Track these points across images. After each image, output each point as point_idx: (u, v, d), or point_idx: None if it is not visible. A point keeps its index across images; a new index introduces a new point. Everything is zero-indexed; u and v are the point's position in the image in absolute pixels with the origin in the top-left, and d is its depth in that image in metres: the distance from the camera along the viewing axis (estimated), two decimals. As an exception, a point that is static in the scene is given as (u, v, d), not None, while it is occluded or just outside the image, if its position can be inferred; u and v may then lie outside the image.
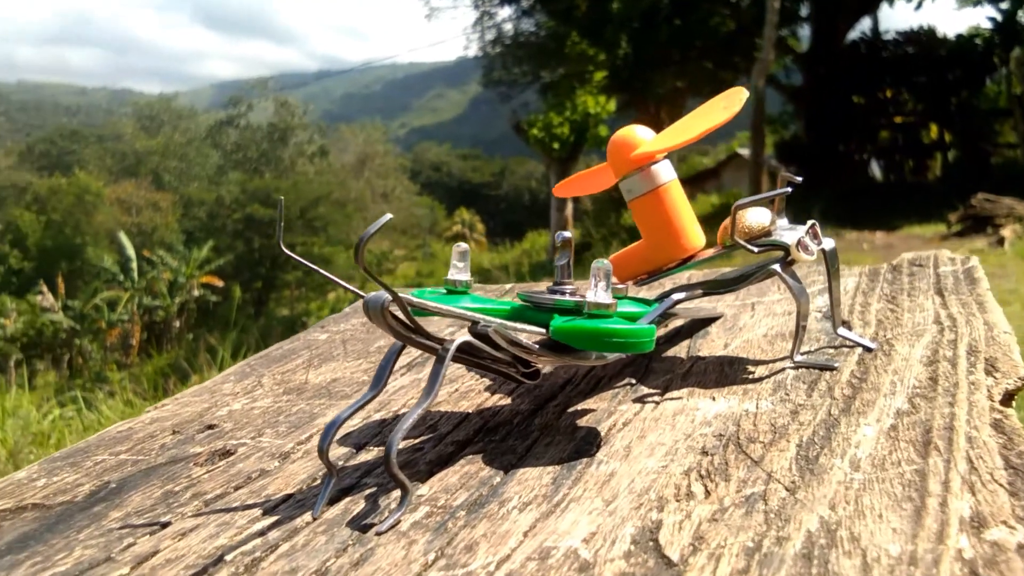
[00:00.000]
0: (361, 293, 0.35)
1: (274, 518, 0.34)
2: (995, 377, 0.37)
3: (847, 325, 0.48)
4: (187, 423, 0.49)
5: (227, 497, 0.37)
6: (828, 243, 0.43)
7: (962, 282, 0.53)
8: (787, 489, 0.29)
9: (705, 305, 0.56)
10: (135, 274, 13.93)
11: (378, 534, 0.31)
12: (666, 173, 0.45)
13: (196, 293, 13.40)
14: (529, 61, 13.88)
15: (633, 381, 0.44)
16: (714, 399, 0.39)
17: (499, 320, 0.37)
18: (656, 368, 0.46)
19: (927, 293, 0.52)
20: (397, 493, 0.34)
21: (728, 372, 0.43)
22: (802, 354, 0.44)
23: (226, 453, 0.43)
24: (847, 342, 0.45)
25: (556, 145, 12.88)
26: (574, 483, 0.33)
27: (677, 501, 0.30)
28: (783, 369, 0.42)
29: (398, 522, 0.32)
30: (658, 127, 0.48)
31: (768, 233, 0.42)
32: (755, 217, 0.42)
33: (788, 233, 0.42)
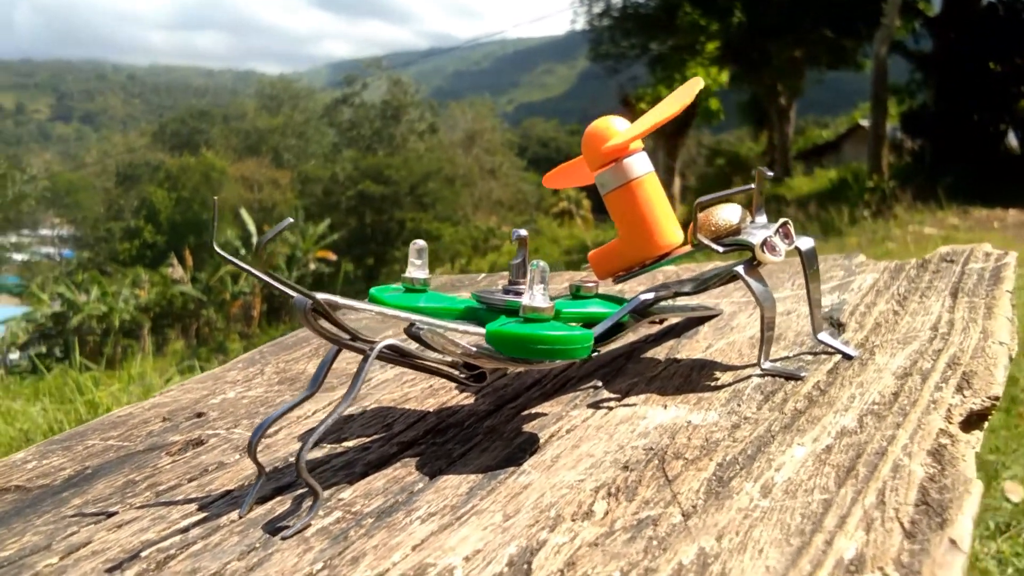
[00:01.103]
0: (289, 292, 0.35)
1: (204, 515, 0.35)
2: (964, 395, 0.34)
3: (841, 328, 0.45)
4: (180, 410, 0.51)
5: (177, 489, 0.38)
6: (805, 243, 0.41)
7: (984, 282, 0.48)
8: (683, 515, 0.28)
9: (707, 302, 0.54)
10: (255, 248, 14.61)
11: (283, 538, 0.31)
12: (639, 167, 0.43)
13: (311, 267, 13.95)
14: (638, 33, 13.61)
15: (599, 384, 0.43)
16: (665, 407, 0.38)
17: (439, 321, 0.36)
18: (629, 370, 0.45)
19: (941, 294, 0.48)
20: (348, 494, 0.35)
21: (694, 378, 0.41)
22: (773, 361, 0.41)
23: (198, 443, 0.44)
24: (829, 348, 0.42)
25: (664, 119, 12.58)
26: (487, 494, 0.32)
27: (572, 520, 0.29)
28: (749, 377, 0.40)
29: (307, 527, 0.32)
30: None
31: (736, 232, 0.40)
32: (724, 215, 0.40)
33: (758, 232, 0.39)
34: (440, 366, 0.38)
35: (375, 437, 0.41)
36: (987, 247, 0.55)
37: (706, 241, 0.39)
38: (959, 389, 0.34)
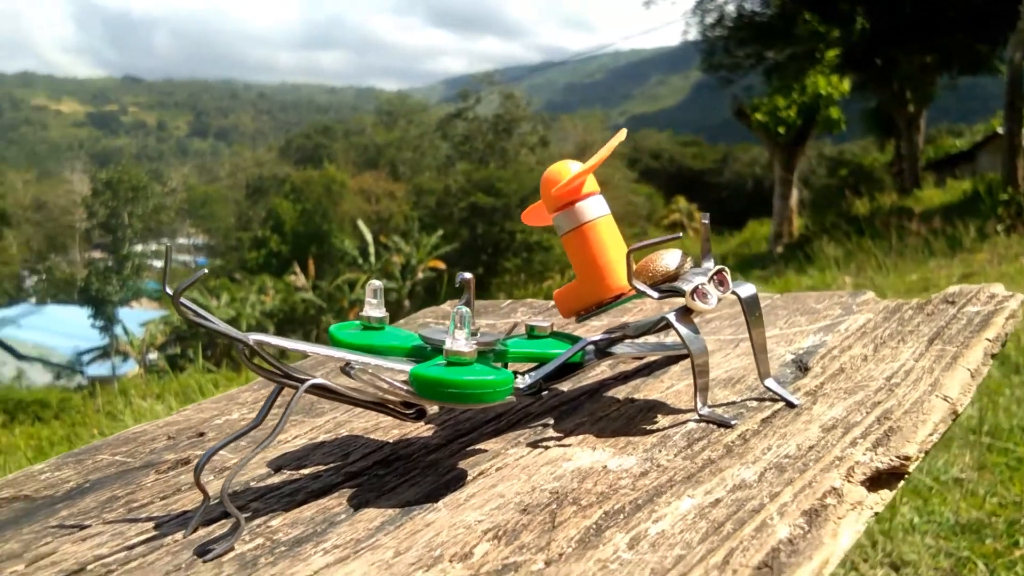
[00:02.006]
0: (234, 335, 0.38)
1: (155, 533, 0.38)
2: (876, 453, 0.33)
3: (805, 372, 0.45)
4: (187, 429, 0.55)
5: (147, 507, 0.42)
6: (745, 289, 0.40)
7: (970, 328, 0.46)
8: (545, 562, 0.29)
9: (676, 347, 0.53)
10: (372, 258, 15.16)
11: (204, 561, 0.34)
12: (592, 211, 0.44)
13: (420, 276, 14.30)
14: (753, 43, 13.27)
15: (551, 422, 0.44)
16: (594, 449, 0.39)
17: (374, 361, 0.39)
18: (584, 408, 0.45)
19: (921, 339, 0.46)
20: (277, 522, 0.37)
21: (637, 420, 0.42)
22: (713, 407, 0.41)
23: (185, 463, 0.48)
24: (775, 395, 0.41)
25: (781, 130, 12.20)
26: (394, 529, 0.34)
27: (449, 562, 0.30)
28: (687, 422, 0.40)
29: (228, 551, 0.35)
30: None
31: (673, 278, 0.40)
32: (663, 261, 0.40)
33: (693, 279, 0.39)
34: (374, 402, 0.40)
35: (330, 465, 0.43)
36: (997, 288, 0.53)
37: (641, 287, 0.40)
38: (875, 446, 0.33)
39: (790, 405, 0.40)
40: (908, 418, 0.36)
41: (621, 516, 0.31)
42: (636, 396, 0.46)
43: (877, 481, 0.32)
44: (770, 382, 0.41)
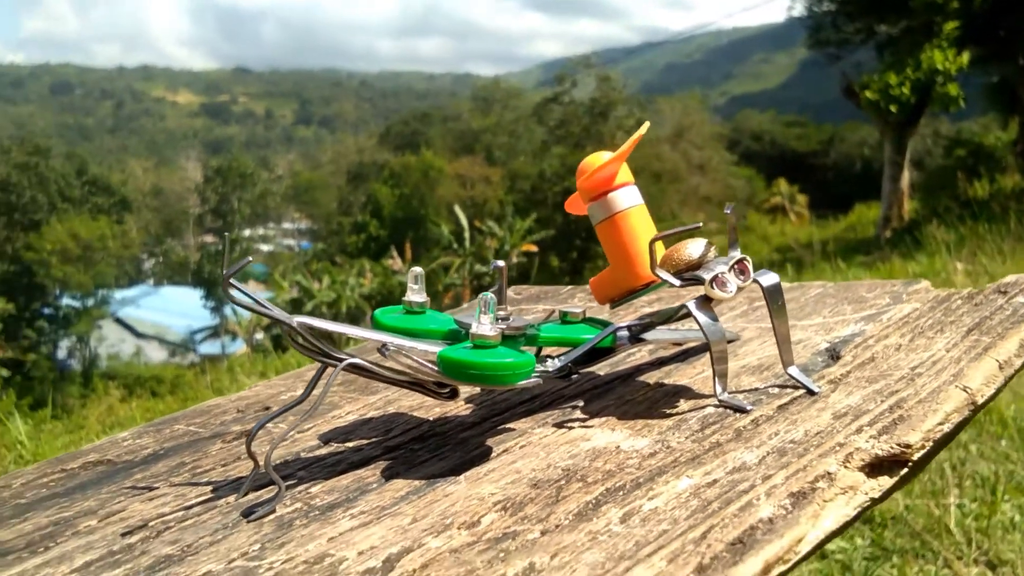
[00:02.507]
0: (279, 317, 0.41)
1: (211, 496, 0.42)
2: (878, 439, 0.33)
3: (836, 360, 0.45)
4: (256, 404, 0.59)
5: (210, 472, 0.46)
6: (768, 278, 0.41)
7: (1014, 318, 0.45)
8: (542, 532, 0.31)
9: (728, 327, 0.54)
10: (467, 242, 15.37)
11: (248, 521, 0.38)
12: (625, 200, 0.46)
13: (514, 260, 14.38)
14: (863, 16, 12.67)
15: (580, 404, 0.46)
16: (613, 430, 0.40)
17: (408, 343, 0.41)
18: (615, 391, 0.47)
19: (958, 330, 0.45)
20: (317, 488, 0.41)
21: (660, 403, 0.43)
22: (734, 392, 0.42)
23: (248, 434, 0.52)
24: (796, 382, 0.42)
25: (894, 108, 11.61)
26: (416, 499, 0.37)
27: (457, 529, 0.33)
28: (706, 407, 0.41)
29: (270, 513, 0.38)
30: None
31: (696, 266, 0.41)
32: (688, 249, 0.41)
33: (714, 267, 0.40)
34: (409, 382, 0.43)
35: (372, 440, 0.46)
36: (1058, 277, 0.51)
37: (664, 275, 0.41)
38: (880, 434, 0.34)
39: (810, 392, 0.40)
40: (920, 407, 0.36)
41: (621, 493, 0.33)
42: (666, 381, 0.47)
43: (878, 468, 0.32)
44: (793, 370, 0.42)
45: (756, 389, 0.43)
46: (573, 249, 19.11)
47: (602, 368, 0.52)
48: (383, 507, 0.36)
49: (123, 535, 0.39)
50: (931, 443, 0.34)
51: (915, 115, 11.60)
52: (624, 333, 0.48)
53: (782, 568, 0.26)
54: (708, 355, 0.51)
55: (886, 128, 11.73)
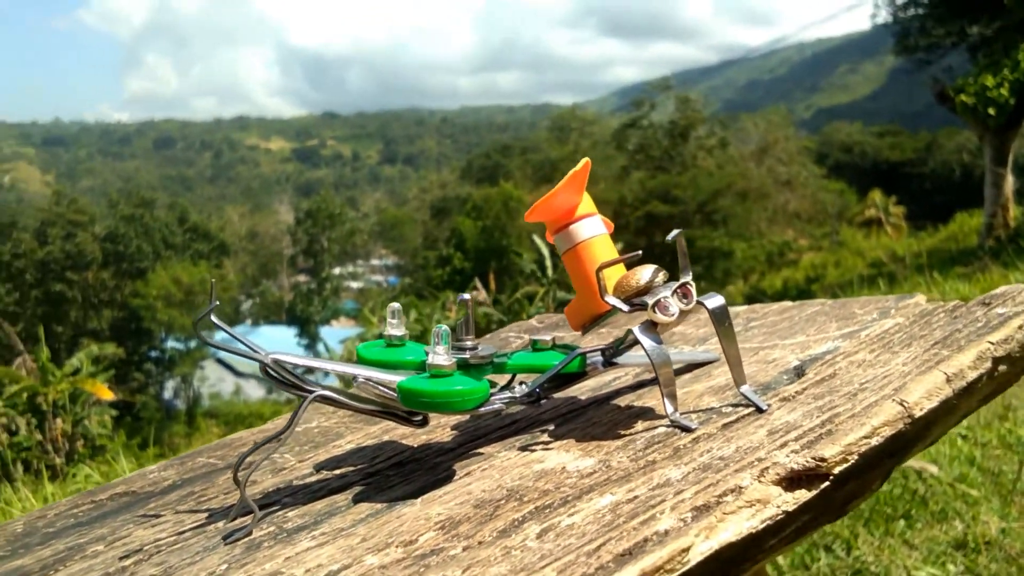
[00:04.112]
0: (252, 355, 0.44)
1: (205, 521, 0.46)
2: (799, 454, 0.34)
3: (800, 377, 0.45)
4: (278, 433, 0.63)
5: (211, 501, 0.50)
6: (713, 301, 0.42)
7: (980, 330, 0.44)
8: (463, 548, 0.33)
9: (701, 355, 0.54)
10: (549, 271, 15.42)
11: (225, 543, 0.41)
12: (586, 231, 0.47)
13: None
14: (953, 19, 12.21)
15: (551, 427, 0.48)
16: (567, 452, 0.42)
17: (378, 375, 0.44)
18: (586, 415, 0.49)
19: (925, 344, 0.45)
20: (293, 513, 0.44)
21: (620, 425, 0.44)
22: (685, 412, 0.43)
23: (264, 461, 0.56)
24: (748, 401, 0.42)
25: (992, 111, 11.09)
26: (372, 521, 0.39)
27: (395, 548, 0.35)
28: (658, 427, 0.42)
29: (246, 536, 0.41)
30: None
31: (644, 292, 0.42)
32: (637, 275, 0.43)
33: (659, 292, 0.42)
34: (382, 411, 0.45)
35: (358, 467, 0.49)
36: (1041, 288, 0.50)
37: (613, 301, 0.42)
38: (802, 448, 0.35)
39: (759, 410, 0.41)
40: (850, 422, 0.36)
41: (548, 511, 0.35)
42: (635, 403, 0.49)
43: (795, 482, 0.33)
44: (745, 388, 0.43)
45: (711, 409, 0.44)
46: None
47: (583, 392, 0.53)
48: (342, 529, 0.39)
49: (120, 558, 0.43)
50: (855, 456, 0.34)
51: (1015, 117, 11.03)
52: (597, 358, 0.50)
53: (663, 578, 0.27)
54: (683, 376, 0.52)
55: (985, 132, 11.20)
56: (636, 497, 0.34)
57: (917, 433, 0.38)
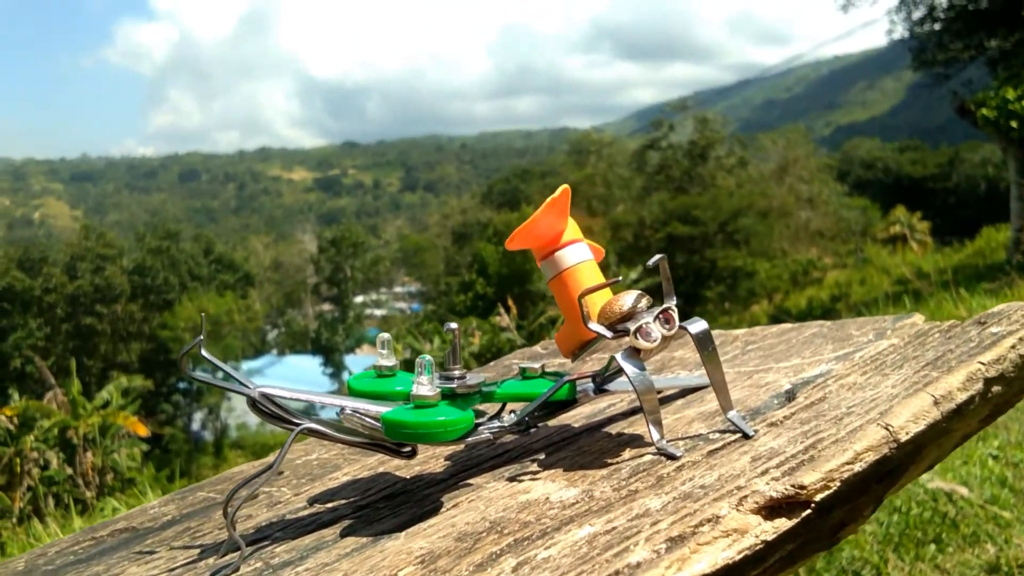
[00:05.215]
0: (239, 389, 0.45)
1: (197, 557, 0.46)
2: (779, 481, 0.33)
3: (791, 401, 0.45)
4: (283, 464, 0.63)
5: (205, 536, 0.50)
6: (696, 326, 0.42)
7: (971, 350, 0.44)
8: (440, 583, 0.33)
9: (695, 380, 0.54)
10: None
11: (213, 579, 0.41)
12: (571, 257, 0.47)
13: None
14: (970, 34, 12.14)
15: (542, 457, 0.47)
16: (553, 482, 0.42)
17: (366, 406, 0.44)
18: (577, 443, 0.48)
19: (917, 365, 0.44)
20: (281, 548, 0.44)
21: (608, 453, 0.44)
22: (672, 439, 0.42)
23: (252, 498, 0.56)
24: (735, 427, 0.42)
25: (1014, 124, 10.98)
26: (356, 555, 0.39)
27: (375, 581, 0.35)
28: (644, 455, 0.42)
29: (233, 571, 0.41)
30: None
31: (627, 317, 0.42)
32: (620, 301, 0.43)
33: (641, 317, 0.42)
34: (369, 443, 0.45)
35: (350, 500, 0.49)
36: (1035, 305, 0.49)
37: (596, 327, 0.42)
38: (783, 475, 0.34)
39: (745, 436, 0.41)
40: (833, 447, 0.35)
41: (526, 543, 0.34)
42: (627, 430, 0.48)
43: (775, 510, 0.33)
44: (732, 414, 0.42)
45: (699, 435, 0.43)
46: (679, 295, 18.73)
47: (577, 420, 0.53)
48: (326, 564, 0.39)
49: (112, 595, 0.43)
50: (837, 483, 0.34)
51: (1043, 134, 10.90)
52: (588, 384, 0.49)
53: (632, 612, 0.27)
54: (676, 402, 0.51)
55: (1008, 145, 11.07)
56: (614, 528, 0.33)
57: (906, 458, 0.38)
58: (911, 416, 0.37)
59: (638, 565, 0.29)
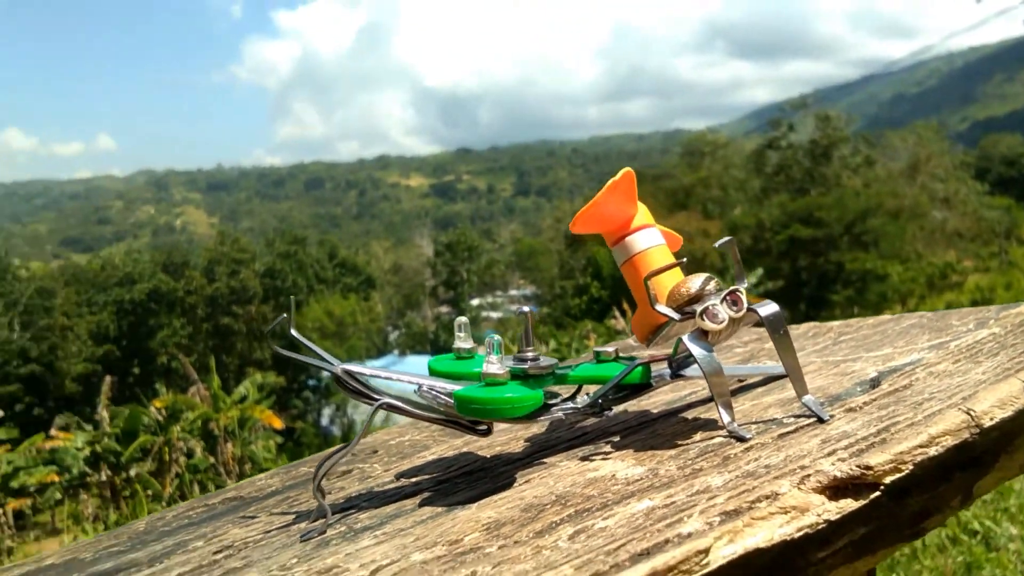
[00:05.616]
0: (323, 365, 0.47)
1: (291, 522, 0.49)
2: (846, 462, 0.33)
3: (875, 386, 0.43)
4: (377, 446, 0.66)
5: (303, 504, 0.53)
6: (767, 308, 0.41)
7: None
8: (499, 547, 0.34)
9: (778, 368, 0.53)
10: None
11: (301, 540, 0.44)
12: (643, 242, 0.48)
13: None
14: None
15: (617, 439, 0.48)
16: (623, 461, 0.42)
17: (438, 383, 0.46)
18: (652, 427, 0.48)
19: (1014, 354, 0.42)
20: (364, 515, 0.46)
21: (680, 436, 0.44)
22: (746, 423, 0.42)
23: (346, 473, 0.59)
24: (810, 411, 0.41)
25: None
26: (430, 522, 0.41)
27: (440, 546, 0.37)
28: (715, 437, 0.42)
29: (320, 534, 0.44)
30: None
31: (696, 299, 0.42)
32: (689, 283, 0.43)
33: (708, 300, 0.42)
34: (445, 419, 0.47)
35: (433, 475, 0.51)
36: None
37: (663, 310, 0.42)
38: (851, 456, 0.33)
39: (820, 421, 0.40)
40: (908, 431, 0.34)
41: (586, 514, 0.35)
42: (703, 415, 0.48)
43: (841, 491, 0.32)
44: (807, 399, 0.41)
45: (773, 420, 0.43)
46: (802, 300, 18.12)
47: (657, 406, 0.53)
48: (402, 529, 0.41)
49: (214, 553, 0.47)
50: (910, 466, 0.33)
51: None
52: (665, 370, 0.50)
53: (678, 577, 0.27)
54: (756, 389, 0.51)
55: None
56: (673, 503, 0.34)
57: (993, 445, 0.36)
58: (997, 401, 0.35)
59: (688, 535, 0.30)
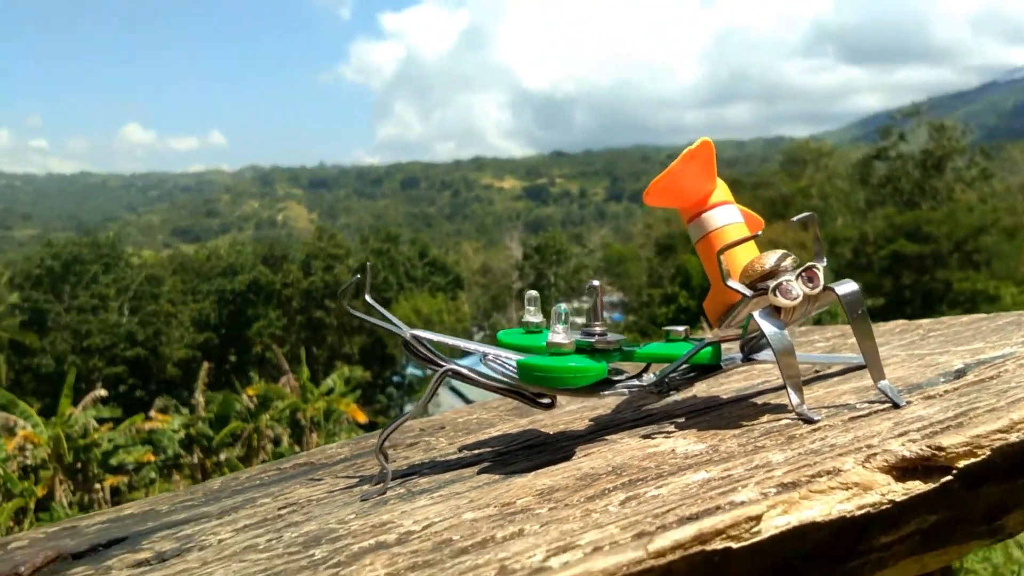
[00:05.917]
0: (394, 329, 0.48)
1: (355, 483, 0.50)
2: (916, 443, 0.31)
3: (961, 375, 0.41)
4: (441, 424, 0.67)
5: (367, 469, 0.54)
6: (845, 287, 0.39)
7: None
8: (549, 509, 0.34)
9: (856, 358, 0.50)
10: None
11: (361, 500, 0.45)
12: (719, 219, 0.46)
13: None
14: None
15: (681, 420, 0.47)
16: (684, 439, 0.41)
17: (508, 354, 0.46)
18: (720, 410, 0.47)
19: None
20: (424, 480, 0.47)
21: (746, 418, 0.43)
22: (817, 407, 0.40)
23: (411, 445, 0.60)
24: (886, 397, 0.39)
25: None
26: (485, 487, 0.41)
27: (492, 507, 0.37)
28: (782, 419, 0.40)
29: (380, 494, 0.45)
30: None
31: (770, 275, 0.41)
32: (764, 259, 0.41)
33: (783, 276, 0.40)
34: (507, 389, 0.47)
35: (495, 448, 0.51)
36: None
37: (735, 286, 0.41)
38: (923, 437, 0.32)
39: (895, 406, 0.38)
40: (987, 415, 0.32)
41: (640, 483, 0.35)
42: (772, 401, 0.46)
43: (910, 472, 0.30)
44: (883, 384, 0.39)
45: (846, 404, 0.41)
46: (903, 319, 17.29)
47: (728, 392, 0.52)
48: (457, 493, 0.41)
49: (279, 508, 0.48)
50: (987, 451, 0.31)
51: None
52: (737, 354, 0.48)
53: (726, 542, 0.26)
54: (831, 378, 0.49)
55: None
56: (729, 475, 0.33)
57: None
58: (1086, 391, 0.33)
59: (741, 503, 0.29)
